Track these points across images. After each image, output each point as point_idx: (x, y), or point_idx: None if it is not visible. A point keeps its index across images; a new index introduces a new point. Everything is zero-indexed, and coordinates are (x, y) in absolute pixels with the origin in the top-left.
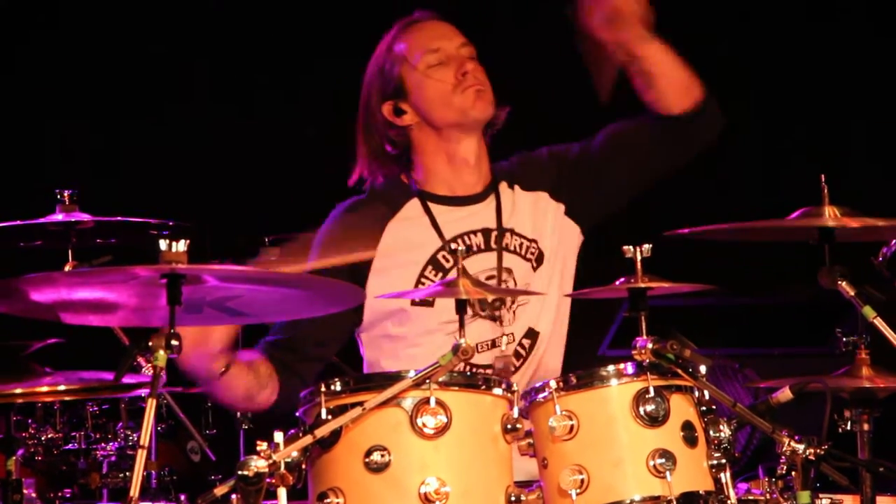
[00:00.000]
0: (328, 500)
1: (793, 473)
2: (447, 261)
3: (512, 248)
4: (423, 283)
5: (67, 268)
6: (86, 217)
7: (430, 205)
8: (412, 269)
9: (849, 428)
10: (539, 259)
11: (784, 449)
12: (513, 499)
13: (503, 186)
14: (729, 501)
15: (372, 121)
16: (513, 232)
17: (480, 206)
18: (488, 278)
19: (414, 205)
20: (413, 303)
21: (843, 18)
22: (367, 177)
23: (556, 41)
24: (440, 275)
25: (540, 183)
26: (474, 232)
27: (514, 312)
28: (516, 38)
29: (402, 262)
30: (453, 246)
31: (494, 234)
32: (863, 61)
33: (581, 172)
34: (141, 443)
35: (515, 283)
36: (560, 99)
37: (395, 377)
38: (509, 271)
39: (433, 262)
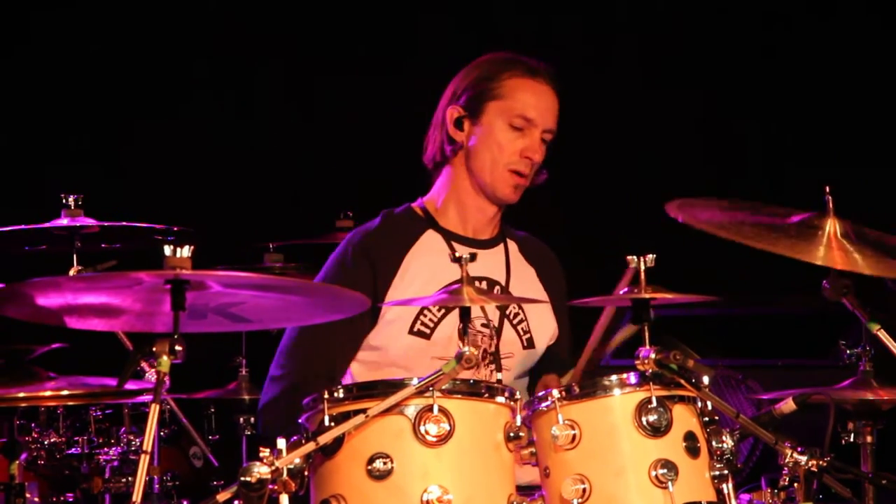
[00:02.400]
0: None
1: (795, 485)
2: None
3: (507, 312)
4: (425, 316)
5: (72, 272)
6: (91, 222)
7: (454, 243)
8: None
9: (852, 440)
10: (529, 343)
11: (787, 460)
12: None
13: (514, 248)
14: None
15: (439, 112)
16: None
17: (490, 252)
18: (483, 325)
19: (432, 236)
20: (410, 331)
21: (847, 24)
22: (435, 157)
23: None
24: (443, 311)
25: (550, 285)
26: (480, 279)
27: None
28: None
29: (419, 291)
30: (458, 254)
31: (498, 288)
32: (868, 67)
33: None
34: (144, 448)
35: (498, 344)
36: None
37: (398, 385)
38: (499, 332)
39: None
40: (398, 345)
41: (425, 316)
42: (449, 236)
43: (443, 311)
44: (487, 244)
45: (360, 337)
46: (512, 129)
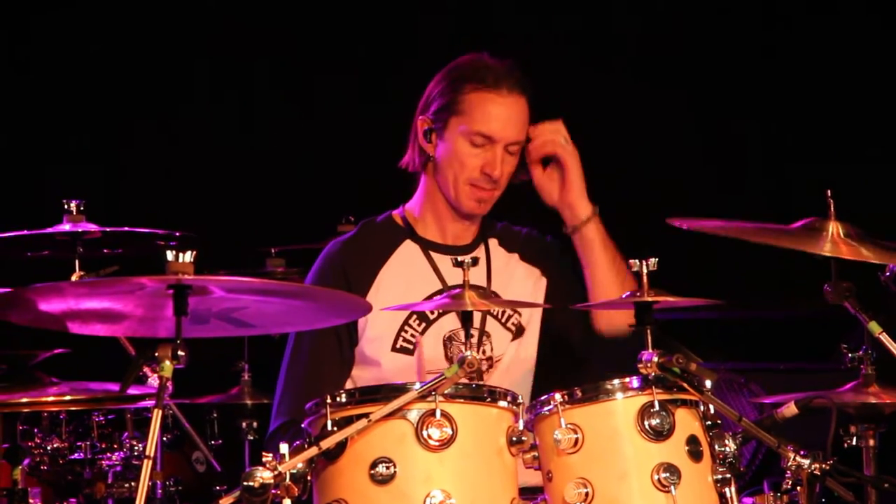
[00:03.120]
0: None
1: (798, 488)
2: (432, 312)
3: (494, 313)
4: (406, 332)
5: (74, 278)
6: (93, 227)
7: (432, 253)
8: (403, 313)
9: (854, 443)
10: (519, 331)
11: (789, 464)
12: None
13: (494, 244)
14: None
15: (414, 120)
16: (497, 296)
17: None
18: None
19: (409, 247)
20: (393, 348)
21: (847, 24)
22: (409, 167)
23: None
24: (423, 325)
25: (538, 261)
26: (459, 287)
27: (491, 375)
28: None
29: (394, 303)
30: (460, 258)
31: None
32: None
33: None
34: (146, 453)
35: (492, 349)
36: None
37: (400, 389)
38: (488, 335)
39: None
40: (382, 362)
41: (406, 332)
42: (427, 245)
43: (423, 325)
44: (467, 249)
45: (349, 363)
46: (472, 146)
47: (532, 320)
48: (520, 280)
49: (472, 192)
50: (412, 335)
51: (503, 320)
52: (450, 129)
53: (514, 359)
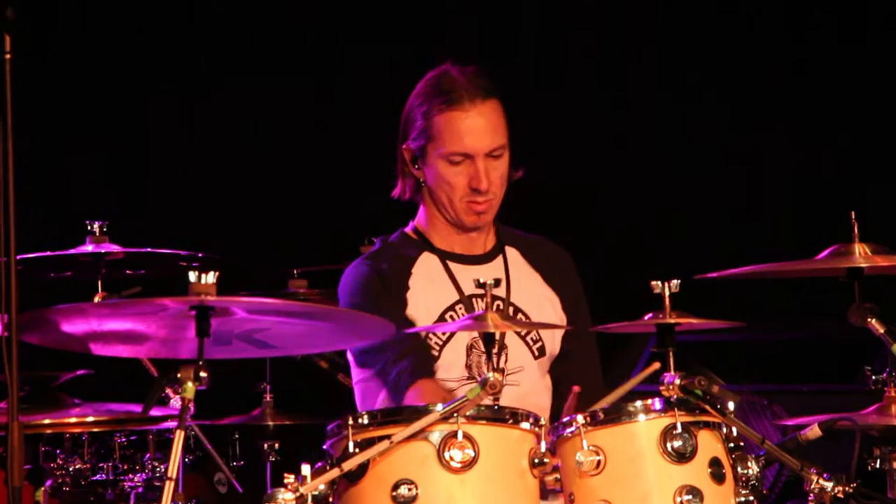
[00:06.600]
0: None
1: None
2: (453, 319)
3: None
4: (430, 339)
5: (97, 299)
6: (115, 248)
7: (449, 263)
8: (430, 319)
9: (878, 466)
10: (541, 352)
11: (813, 486)
12: None
13: (514, 254)
14: None
15: (398, 149)
16: (516, 308)
17: (487, 267)
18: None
19: (428, 258)
20: None
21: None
22: (400, 195)
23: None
24: (447, 334)
25: (554, 280)
26: (477, 297)
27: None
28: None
29: (422, 315)
30: (482, 280)
31: (499, 303)
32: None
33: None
34: (168, 474)
35: (507, 360)
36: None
37: (422, 411)
38: (505, 348)
39: (440, 318)
40: None
41: (430, 339)
42: (444, 256)
43: (447, 333)
44: (484, 259)
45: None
46: (453, 165)
47: (554, 344)
48: (537, 298)
49: (468, 208)
50: (436, 342)
51: (522, 334)
52: (429, 154)
53: (537, 378)
